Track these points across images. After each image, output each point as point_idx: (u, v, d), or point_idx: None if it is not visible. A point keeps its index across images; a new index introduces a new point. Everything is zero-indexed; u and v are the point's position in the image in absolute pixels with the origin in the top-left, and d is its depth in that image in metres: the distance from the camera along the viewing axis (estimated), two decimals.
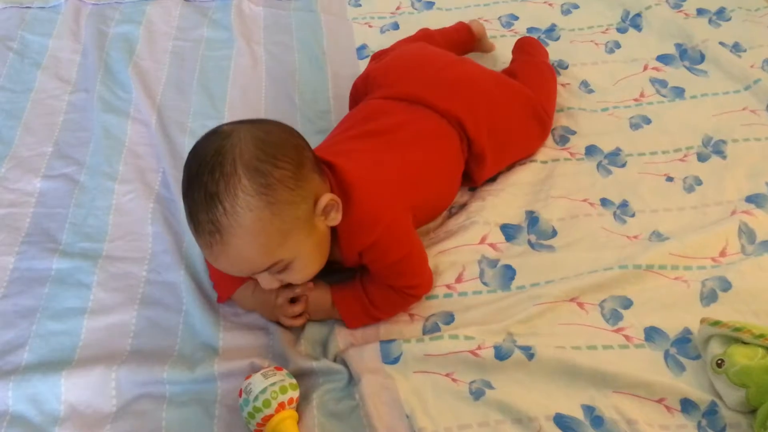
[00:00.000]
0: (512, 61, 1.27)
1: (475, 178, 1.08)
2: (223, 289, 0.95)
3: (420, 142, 0.99)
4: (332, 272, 0.98)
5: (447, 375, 0.86)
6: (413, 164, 0.96)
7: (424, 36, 1.27)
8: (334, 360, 0.89)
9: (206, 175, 0.77)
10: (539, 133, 1.16)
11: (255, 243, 0.78)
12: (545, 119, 1.15)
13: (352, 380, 0.86)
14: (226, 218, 0.76)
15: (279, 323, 0.93)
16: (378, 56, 1.22)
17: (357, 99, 1.13)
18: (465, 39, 1.32)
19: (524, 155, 1.15)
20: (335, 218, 0.85)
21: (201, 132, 1.18)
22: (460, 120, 1.02)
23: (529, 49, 1.29)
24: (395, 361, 0.88)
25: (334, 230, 0.87)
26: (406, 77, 1.07)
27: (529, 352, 0.87)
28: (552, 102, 1.20)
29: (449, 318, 0.94)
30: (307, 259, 0.84)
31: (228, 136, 0.78)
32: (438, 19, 1.40)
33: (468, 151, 1.05)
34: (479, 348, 0.88)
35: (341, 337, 0.91)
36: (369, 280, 0.92)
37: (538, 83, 1.18)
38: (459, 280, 0.98)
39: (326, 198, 0.83)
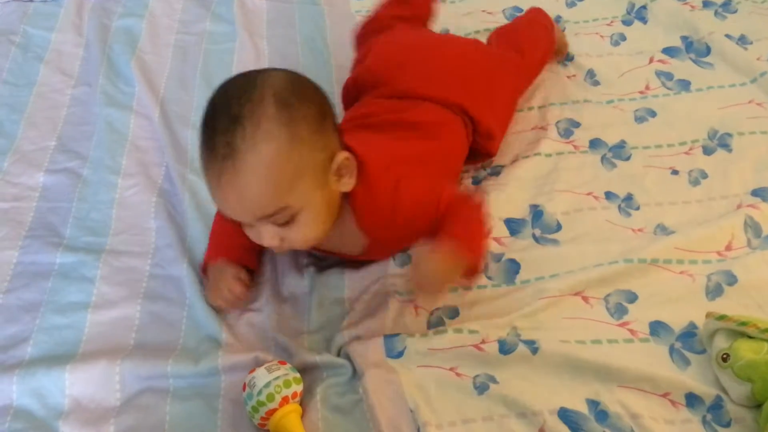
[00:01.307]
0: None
1: (488, 152, 1.11)
2: (213, 253, 0.96)
3: (426, 138, 0.99)
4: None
5: (451, 369, 0.86)
6: (419, 156, 0.96)
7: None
8: (338, 354, 0.89)
9: (233, 99, 0.76)
10: (517, 78, 1.19)
11: (266, 178, 0.75)
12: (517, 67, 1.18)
13: (355, 374, 0.86)
14: (244, 143, 0.74)
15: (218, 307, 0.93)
16: (361, 40, 1.22)
17: (349, 103, 1.12)
18: None
19: (515, 102, 1.19)
20: (348, 183, 0.83)
21: None
22: (463, 107, 1.03)
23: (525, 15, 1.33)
24: (399, 355, 0.88)
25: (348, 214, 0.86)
26: (399, 74, 1.07)
27: (533, 347, 0.87)
28: (535, 41, 1.24)
29: (454, 312, 0.94)
30: (314, 214, 0.81)
31: (261, 72, 0.80)
32: (442, 12, 1.39)
33: (474, 132, 1.06)
34: (483, 342, 0.88)
35: (346, 331, 0.91)
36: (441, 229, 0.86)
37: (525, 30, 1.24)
38: None
39: (343, 155, 0.81)
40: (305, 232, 0.82)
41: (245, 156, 0.74)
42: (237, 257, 0.95)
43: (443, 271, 0.84)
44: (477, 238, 0.89)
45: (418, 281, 0.86)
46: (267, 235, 0.81)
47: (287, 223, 0.80)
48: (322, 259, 1.00)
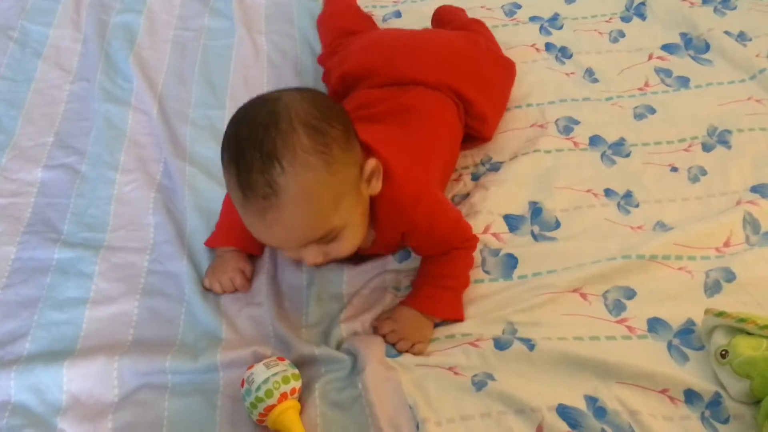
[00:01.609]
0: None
1: (483, 135, 1.12)
2: (221, 236, 0.97)
3: (423, 119, 1.00)
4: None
5: (449, 369, 0.86)
6: (423, 141, 0.97)
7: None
8: (337, 348, 0.89)
9: (261, 134, 0.73)
10: (506, 70, 1.21)
11: (311, 207, 0.75)
12: (501, 58, 1.22)
13: (354, 369, 0.86)
14: (284, 178, 0.73)
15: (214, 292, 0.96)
16: (332, 50, 1.22)
17: (338, 101, 1.11)
18: None
19: (508, 92, 1.21)
20: (376, 186, 0.83)
21: (202, 122, 1.20)
22: (453, 87, 1.05)
23: (448, 17, 1.32)
24: (398, 354, 0.88)
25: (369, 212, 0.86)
26: (389, 63, 1.08)
27: (530, 343, 0.87)
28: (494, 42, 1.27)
29: None
30: (355, 227, 0.82)
31: (278, 99, 0.77)
32: None
33: (467, 115, 1.08)
34: (479, 340, 0.88)
35: (344, 324, 0.91)
36: (425, 266, 0.94)
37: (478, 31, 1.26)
38: None
39: (372, 162, 0.81)
40: (348, 244, 0.83)
41: (287, 192, 0.73)
42: (243, 245, 0.96)
43: (421, 331, 0.91)
44: (459, 288, 0.94)
45: (396, 335, 0.90)
46: (310, 256, 0.81)
47: (332, 240, 0.80)
48: None
